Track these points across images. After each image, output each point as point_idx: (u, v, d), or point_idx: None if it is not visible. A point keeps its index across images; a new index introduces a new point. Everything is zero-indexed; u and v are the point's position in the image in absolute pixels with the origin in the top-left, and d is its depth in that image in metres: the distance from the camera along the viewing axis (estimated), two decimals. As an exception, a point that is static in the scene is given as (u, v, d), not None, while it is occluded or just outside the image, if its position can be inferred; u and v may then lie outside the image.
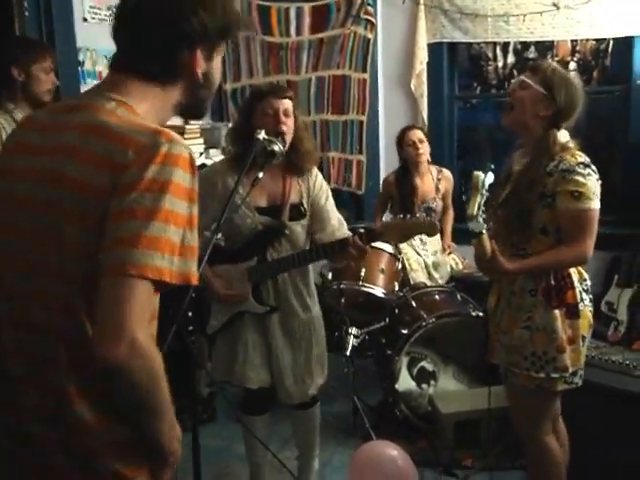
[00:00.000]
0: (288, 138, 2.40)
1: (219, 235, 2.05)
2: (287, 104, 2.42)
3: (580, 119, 2.22)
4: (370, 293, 3.40)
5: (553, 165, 2.12)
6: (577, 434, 2.44)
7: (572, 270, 2.18)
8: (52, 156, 1.15)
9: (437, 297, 3.52)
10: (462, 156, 4.97)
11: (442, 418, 3.06)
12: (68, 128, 1.16)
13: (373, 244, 3.28)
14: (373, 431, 3.02)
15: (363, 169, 4.78)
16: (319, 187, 2.56)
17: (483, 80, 5.15)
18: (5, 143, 1.32)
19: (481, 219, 2.07)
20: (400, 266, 3.61)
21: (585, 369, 2.26)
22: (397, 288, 3.51)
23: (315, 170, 2.59)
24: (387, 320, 3.45)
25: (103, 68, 3.53)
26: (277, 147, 2.29)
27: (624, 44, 4.25)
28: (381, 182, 4.40)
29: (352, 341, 3.20)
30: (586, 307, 2.20)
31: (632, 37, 4.09)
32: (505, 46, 4.95)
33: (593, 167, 2.12)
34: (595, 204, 2.09)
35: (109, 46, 1.25)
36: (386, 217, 3.72)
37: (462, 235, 3.91)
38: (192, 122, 4.15)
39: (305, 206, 2.52)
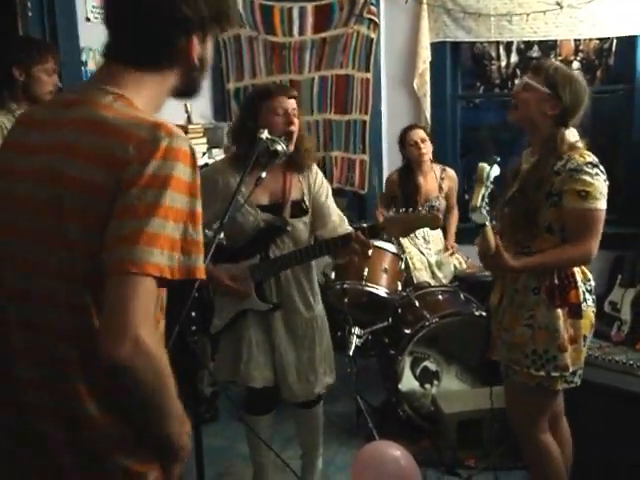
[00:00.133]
0: (295, 138, 2.41)
1: (221, 235, 2.05)
2: (294, 104, 2.43)
3: (583, 118, 2.21)
4: (373, 293, 3.40)
5: (561, 164, 2.12)
6: (580, 434, 2.44)
7: (576, 270, 2.18)
8: (51, 154, 1.14)
9: (440, 297, 3.52)
10: (465, 155, 4.97)
11: (445, 418, 3.06)
12: (66, 125, 1.15)
13: (376, 244, 3.30)
14: (376, 431, 3.01)
15: (366, 169, 4.78)
16: (320, 184, 2.56)
17: (486, 79, 5.15)
18: (4, 142, 1.31)
19: (484, 211, 2.06)
20: (403, 266, 3.61)
21: (588, 369, 2.26)
22: (400, 288, 3.51)
23: (315, 167, 2.59)
24: (390, 320, 3.45)
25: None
26: (280, 147, 2.29)
27: (627, 43, 4.25)
28: (384, 182, 4.40)
29: (355, 341, 3.19)
30: (589, 307, 2.20)
31: (635, 36, 4.09)
32: (508, 45, 4.95)
33: (601, 167, 2.11)
34: (602, 204, 2.09)
35: (112, 46, 1.24)
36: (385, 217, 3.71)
37: (466, 235, 3.91)
38: (195, 122, 4.17)
39: (307, 203, 2.53)
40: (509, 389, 2.35)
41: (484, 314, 3.10)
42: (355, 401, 3.24)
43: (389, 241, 3.52)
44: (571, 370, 2.17)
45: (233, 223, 2.38)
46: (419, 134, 3.94)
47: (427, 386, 3.35)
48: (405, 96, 4.64)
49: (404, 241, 3.83)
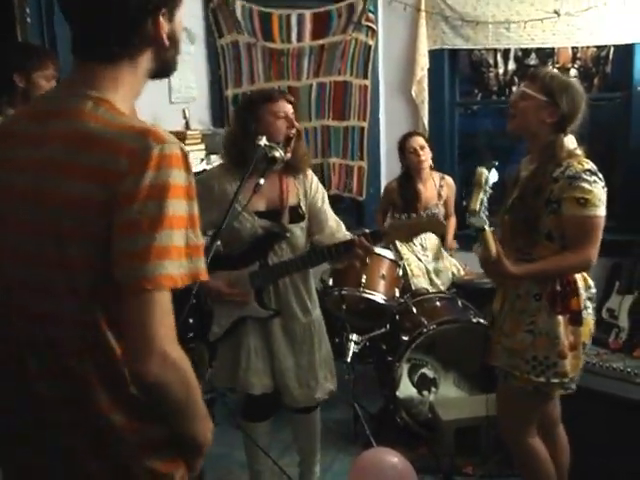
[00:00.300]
0: (293, 143, 2.42)
1: (218, 242, 2.04)
2: (291, 109, 2.45)
3: (581, 126, 2.22)
4: (371, 299, 3.39)
5: (559, 171, 2.12)
6: (578, 441, 2.44)
7: (578, 277, 2.18)
8: (38, 172, 1.12)
9: (438, 303, 3.52)
10: (463, 162, 4.98)
11: (443, 425, 3.06)
12: (50, 140, 1.12)
13: (374, 250, 3.30)
14: (373, 438, 3.00)
15: (364, 175, 4.79)
16: (315, 189, 2.57)
17: (484, 87, 5.17)
18: None
19: (483, 215, 2.07)
20: (401, 272, 3.61)
21: (586, 376, 2.27)
22: (398, 294, 3.51)
23: (310, 172, 2.59)
24: (388, 326, 3.44)
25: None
26: (278, 153, 2.29)
27: (624, 51, 4.27)
28: (382, 189, 4.40)
29: (353, 347, 3.19)
30: (589, 315, 2.21)
31: (632, 44, 4.11)
32: (506, 53, 4.97)
33: (600, 175, 2.12)
34: (601, 211, 2.10)
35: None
36: (387, 223, 3.71)
37: (464, 242, 3.92)
38: (193, 128, 4.16)
39: (303, 208, 2.53)
40: (503, 394, 2.35)
41: (482, 321, 3.10)
42: (352, 408, 3.23)
43: (387, 248, 3.52)
44: (570, 377, 2.18)
45: (230, 230, 2.37)
46: (418, 141, 3.94)
47: (425, 393, 3.34)
48: (403, 103, 4.66)
49: (402, 248, 3.83)
